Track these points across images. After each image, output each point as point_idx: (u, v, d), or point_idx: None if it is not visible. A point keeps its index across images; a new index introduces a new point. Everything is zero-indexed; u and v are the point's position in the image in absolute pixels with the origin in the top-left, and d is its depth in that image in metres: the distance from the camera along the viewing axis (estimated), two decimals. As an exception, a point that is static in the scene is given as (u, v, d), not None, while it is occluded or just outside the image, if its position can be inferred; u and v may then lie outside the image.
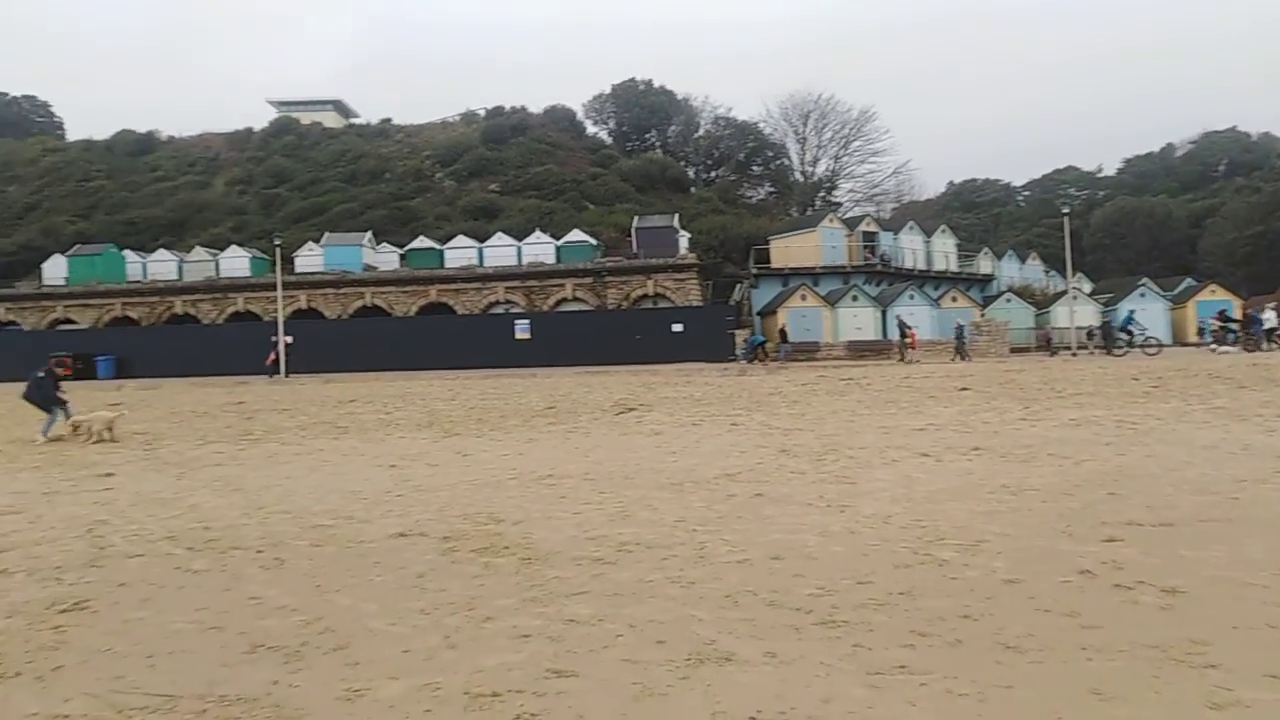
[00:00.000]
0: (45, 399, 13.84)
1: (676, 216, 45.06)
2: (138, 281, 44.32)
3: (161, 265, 45.17)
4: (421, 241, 44.43)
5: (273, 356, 34.38)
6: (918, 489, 7.75)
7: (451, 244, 44.05)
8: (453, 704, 3.57)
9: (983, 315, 40.32)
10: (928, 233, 48.51)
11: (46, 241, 48.83)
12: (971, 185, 78.06)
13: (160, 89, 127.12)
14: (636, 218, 45.21)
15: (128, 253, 45.88)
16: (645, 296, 41.15)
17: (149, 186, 56.76)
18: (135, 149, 62.20)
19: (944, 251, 48.50)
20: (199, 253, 45.98)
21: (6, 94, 72.77)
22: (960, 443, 10.54)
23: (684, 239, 44.28)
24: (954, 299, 41.24)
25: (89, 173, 58.46)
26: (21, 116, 71.30)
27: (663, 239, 42.40)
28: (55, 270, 44.79)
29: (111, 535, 6.87)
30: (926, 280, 45.36)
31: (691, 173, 67.59)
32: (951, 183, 79.52)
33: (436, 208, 52.87)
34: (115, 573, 5.75)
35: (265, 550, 6.23)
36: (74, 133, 70.34)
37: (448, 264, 43.07)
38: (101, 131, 65.07)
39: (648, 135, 69.65)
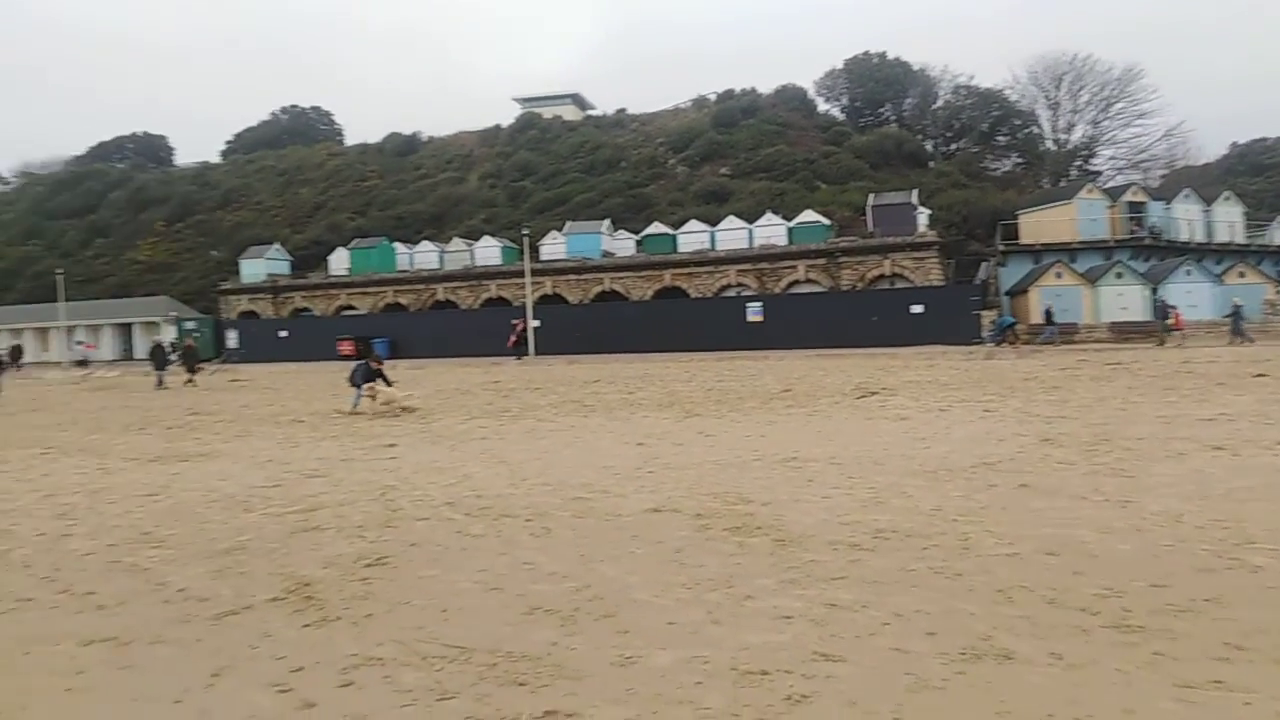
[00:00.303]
0: (356, 381, 16.15)
1: (915, 193, 42.96)
2: (405, 271, 48.90)
3: (425, 256, 49.54)
4: (656, 227, 45.48)
5: (514, 339, 36.64)
6: (1213, 486, 6.94)
7: (684, 229, 44.72)
8: (721, 678, 3.64)
9: (1278, 292, 35.30)
10: (1207, 201, 43.00)
11: (331, 236, 55.03)
12: (1260, 145, 67.80)
13: (423, 93, 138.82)
14: (872, 195, 43.53)
15: (397, 245, 50.75)
16: (882, 277, 39.65)
17: (413, 184, 62.26)
18: (402, 149, 68.36)
19: (1228, 221, 42.81)
20: (457, 243, 49.90)
21: (298, 106, 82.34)
22: (1261, 436, 9.30)
23: (923, 216, 42.18)
24: (1241, 274, 36.39)
25: (364, 173, 65.04)
26: (309, 126, 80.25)
27: (900, 216, 40.58)
28: (339, 262, 50.44)
29: (400, 499, 7.63)
30: (1206, 254, 40.27)
31: (930, 146, 64.00)
32: (1235, 143, 69.42)
33: (669, 194, 53.89)
34: (406, 533, 6.39)
35: (533, 519, 6.66)
36: (351, 138, 78.31)
37: (681, 248, 43.81)
38: (374, 135, 72.20)
39: (882, 109, 66.66)
